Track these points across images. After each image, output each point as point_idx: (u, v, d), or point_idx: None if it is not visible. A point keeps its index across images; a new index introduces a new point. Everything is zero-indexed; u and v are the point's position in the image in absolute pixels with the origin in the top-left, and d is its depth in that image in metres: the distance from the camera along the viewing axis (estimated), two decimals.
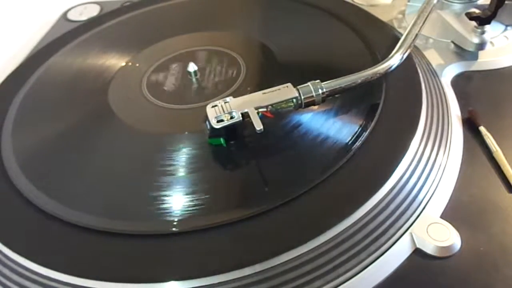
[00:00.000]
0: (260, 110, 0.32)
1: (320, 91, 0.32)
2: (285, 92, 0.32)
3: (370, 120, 0.33)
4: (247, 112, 0.31)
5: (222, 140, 0.32)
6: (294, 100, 0.32)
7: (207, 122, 0.32)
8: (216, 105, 0.32)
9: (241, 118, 0.31)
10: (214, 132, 0.32)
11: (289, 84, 0.33)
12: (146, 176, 0.32)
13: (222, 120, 0.31)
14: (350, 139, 0.32)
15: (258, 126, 0.30)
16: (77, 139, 0.37)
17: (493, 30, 0.42)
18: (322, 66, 0.39)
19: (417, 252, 0.29)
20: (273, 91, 0.32)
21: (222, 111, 0.32)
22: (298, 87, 0.32)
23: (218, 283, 0.26)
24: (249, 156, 0.33)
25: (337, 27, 0.43)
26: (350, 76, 0.33)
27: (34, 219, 0.30)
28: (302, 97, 0.32)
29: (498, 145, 0.34)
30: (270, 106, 0.32)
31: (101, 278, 0.27)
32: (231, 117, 0.31)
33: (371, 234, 0.28)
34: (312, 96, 0.32)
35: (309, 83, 0.32)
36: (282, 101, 0.32)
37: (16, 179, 0.33)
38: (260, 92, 0.32)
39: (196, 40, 0.45)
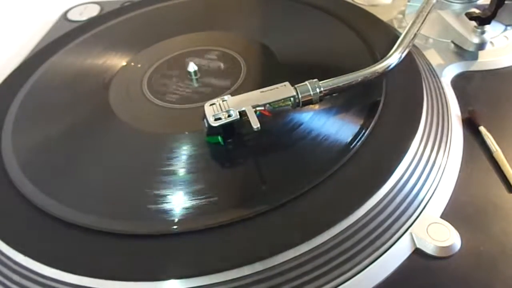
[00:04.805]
0: (258, 108, 0.31)
1: (318, 90, 0.32)
2: (282, 90, 0.32)
3: (370, 120, 0.33)
4: (244, 111, 0.31)
5: (219, 138, 0.32)
6: (292, 99, 0.32)
7: (205, 120, 0.32)
8: (214, 103, 0.32)
9: (238, 117, 0.31)
10: (212, 130, 0.32)
11: (287, 83, 0.33)
12: (146, 175, 0.32)
13: (220, 118, 0.31)
14: (350, 139, 0.32)
15: (255, 124, 0.30)
16: (77, 139, 0.37)
17: (493, 30, 0.42)
18: (322, 66, 0.39)
19: (417, 252, 0.29)
20: (270, 89, 0.32)
21: (220, 109, 0.32)
22: (296, 86, 0.32)
23: (218, 282, 0.26)
24: (249, 156, 0.32)
25: (337, 27, 0.43)
26: (348, 75, 0.33)
27: (34, 219, 0.30)
28: (300, 96, 0.32)
29: (498, 145, 0.33)
30: (267, 105, 0.32)
31: (101, 277, 0.26)
32: (229, 115, 0.31)
33: (371, 234, 0.28)
34: (310, 95, 0.32)
35: (306, 82, 0.32)
36: (280, 100, 0.32)
37: (16, 179, 0.33)
38: (258, 91, 0.32)
39: (196, 40, 0.45)
